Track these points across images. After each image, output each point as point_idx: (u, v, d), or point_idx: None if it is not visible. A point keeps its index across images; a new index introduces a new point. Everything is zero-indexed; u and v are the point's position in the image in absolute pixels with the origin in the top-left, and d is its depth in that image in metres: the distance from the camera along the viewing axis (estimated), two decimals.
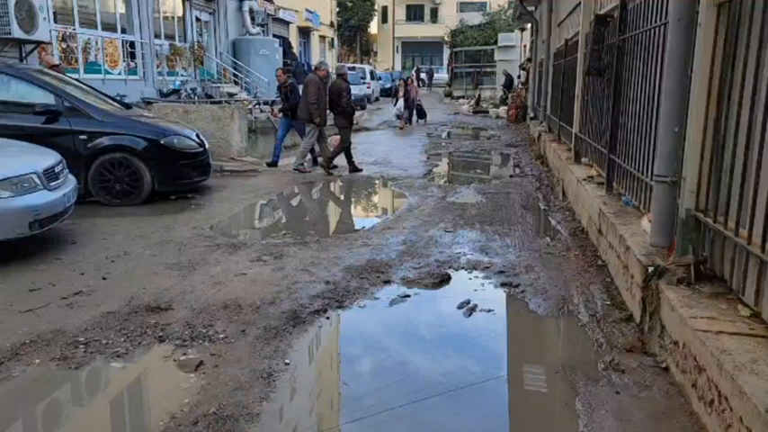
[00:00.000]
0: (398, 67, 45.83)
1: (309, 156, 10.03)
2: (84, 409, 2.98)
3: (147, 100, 11.95)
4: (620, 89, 5.33)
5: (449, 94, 31.72)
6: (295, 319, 3.77)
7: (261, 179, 9.03)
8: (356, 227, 6.29)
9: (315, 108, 9.21)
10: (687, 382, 2.74)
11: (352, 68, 29.82)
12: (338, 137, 9.94)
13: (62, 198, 5.12)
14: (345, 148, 9.60)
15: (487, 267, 4.83)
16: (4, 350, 3.31)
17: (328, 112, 9.71)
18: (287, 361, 3.25)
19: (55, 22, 11.13)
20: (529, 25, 20.53)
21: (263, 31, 22.29)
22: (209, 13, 18.65)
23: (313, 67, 10.45)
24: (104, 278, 4.51)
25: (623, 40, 5.26)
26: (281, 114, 10.49)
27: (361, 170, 9.68)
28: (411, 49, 50.61)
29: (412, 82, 19.11)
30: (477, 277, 4.66)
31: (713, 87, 3.13)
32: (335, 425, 2.87)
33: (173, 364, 3.22)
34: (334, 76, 10.13)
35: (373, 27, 50.73)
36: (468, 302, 4.10)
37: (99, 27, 12.64)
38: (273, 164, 10.12)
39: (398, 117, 17.59)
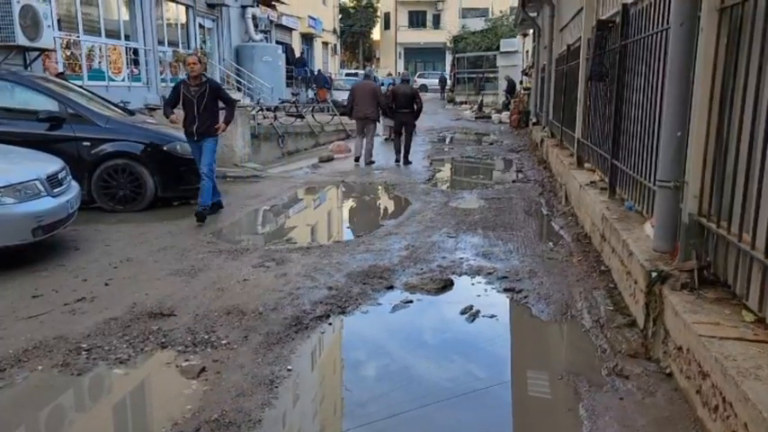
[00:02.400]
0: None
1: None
2: (86, 415, 2.97)
3: (151, 106, 12.00)
4: (623, 94, 5.33)
5: (451, 100, 31.78)
6: (297, 325, 3.76)
7: (263, 185, 9.05)
8: (358, 232, 6.29)
9: (383, 110, 10.84)
10: (691, 387, 2.72)
11: (355, 74, 30.00)
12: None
13: (65, 204, 5.13)
14: (399, 141, 11.20)
15: (490, 273, 4.82)
16: (7, 356, 3.31)
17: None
18: (289, 367, 3.24)
19: (59, 29, 11.21)
20: (531, 31, 20.57)
21: (266, 37, 22.40)
22: (213, 20, 18.73)
23: (365, 75, 12.12)
24: (107, 284, 4.51)
25: (625, 46, 5.26)
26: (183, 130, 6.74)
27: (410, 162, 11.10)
28: (413, 54, 50.74)
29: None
30: (480, 282, 4.65)
31: (715, 91, 3.13)
32: (339, 431, 2.86)
33: (175, 371, 3.22)
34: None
35: (376, 33, 50.96)
36: (471, 308, 4.09)
37: (103, 34, 12.72)
38: (203, 213, 6.50)
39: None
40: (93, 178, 6.85)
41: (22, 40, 9.05)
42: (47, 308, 4.03)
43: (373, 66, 46.64)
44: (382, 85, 16.27)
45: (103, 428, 2.86)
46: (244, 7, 20.32)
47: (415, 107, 10.96)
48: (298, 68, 24.58)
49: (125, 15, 13.85)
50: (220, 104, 6.83)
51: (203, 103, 6.56)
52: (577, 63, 7.97)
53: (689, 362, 2.75)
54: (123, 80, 13.33)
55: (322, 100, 20.93)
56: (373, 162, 10.96)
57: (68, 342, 3.49)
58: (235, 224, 6.77)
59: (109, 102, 8.07)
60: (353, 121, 11.39)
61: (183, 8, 16.78)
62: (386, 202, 8.42)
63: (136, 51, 13.98)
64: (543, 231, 6.38)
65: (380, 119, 11.07)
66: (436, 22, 49.91)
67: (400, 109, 10.92)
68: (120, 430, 2.86)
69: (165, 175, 7.09)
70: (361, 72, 31.07)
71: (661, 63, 4.11)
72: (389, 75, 38.57)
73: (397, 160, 11.16)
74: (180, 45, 16.54)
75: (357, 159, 11.03)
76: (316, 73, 25.77)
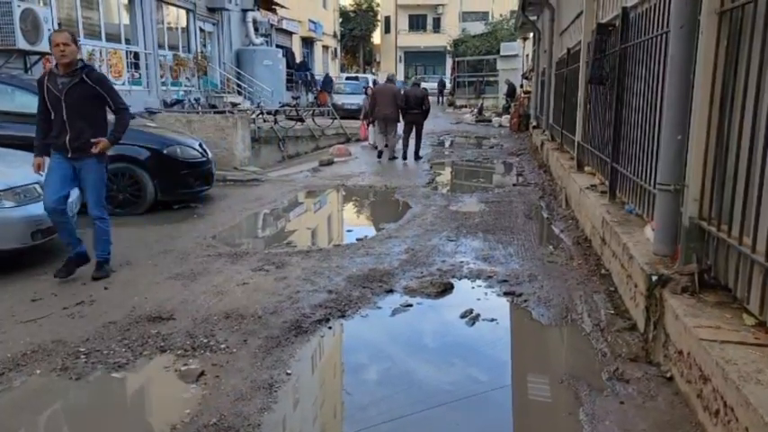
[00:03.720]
0: (401, 77, 45.97)
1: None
2: (84, 419, 2.95)
3: (151, 110, 12.02)
4: (623, 97, 5.33)
5: (451, 104, 31.81)
6: (297, 329, 3.75)
7: (263, 189, 9.05)
8: (358, 236, 6.28)
9: (401, 110, 11.90)
10: (692, 391, 2.71)
11: (355, 78, 30.13)
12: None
13: None
14: (407, 138, 12.33)
15: (490, 276, 4.81)
16: (6, 360, 3.30)
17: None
18: (289, 371, 3.23)
19: None
20: (531, 34, 20.60)
21: (267, 41, 22.45)
22: (213, 24, 18.77)
23: (387, 78, 13.17)
24: (106, 288, 4.50)
25: (625, 49, 5.27)
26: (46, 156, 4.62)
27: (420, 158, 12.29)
28: (414, 58, 50.84)
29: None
30: (480, 286, 4.64)
31: (716, 94, 3.12)
32: None
33: (174, 375, 3.20)
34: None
35: (376, 37, 51.03)
36: (471, 312, 4.08)
37: (103, 38, 12.75)
38: (107, 267, 4.72)
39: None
40: None
41: (22, 43, 9.07)
42: (46, 311, 4.02)
43: (374, 69, 46.77)
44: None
45: None
46: (244, 11, 20.36)
47: (424, 108, 12.11)
48: (299, 72, 24.66)
49: (125, 19, 13.88)
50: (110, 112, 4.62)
51: (75, 101, 4.35)
52: (577, 66, 7.98)
53: (690, 366, 2.74)
54: (124, 84, 13.35)
55: (323, 103, 20.97)
56: (396, 158, 12.21)
57: (67, 346, 3.48)
58: (234, 227, 6.76)
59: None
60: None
61: (183, 12, 16.82)
62: (386, 206, 8.41)
63: (136, 55, 14.00)
64: (543, 235, 6.37)
65: (400, 118, 12.10)
66: (436, 26, 49.99)
67: (411, 109, 12.03)
68: None
69: (164, 179, 7.08)
70: (361, 76, 31.37)
71: (661, 66, 4.11)
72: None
73: (405, 157, 12.11)
74: (180, 49, 16.58)
75: (380, 155, 12.19)
76: (324, 77, 26.12)
